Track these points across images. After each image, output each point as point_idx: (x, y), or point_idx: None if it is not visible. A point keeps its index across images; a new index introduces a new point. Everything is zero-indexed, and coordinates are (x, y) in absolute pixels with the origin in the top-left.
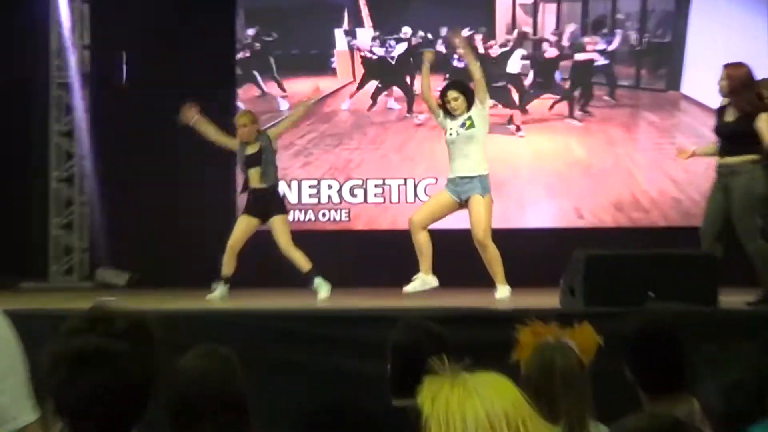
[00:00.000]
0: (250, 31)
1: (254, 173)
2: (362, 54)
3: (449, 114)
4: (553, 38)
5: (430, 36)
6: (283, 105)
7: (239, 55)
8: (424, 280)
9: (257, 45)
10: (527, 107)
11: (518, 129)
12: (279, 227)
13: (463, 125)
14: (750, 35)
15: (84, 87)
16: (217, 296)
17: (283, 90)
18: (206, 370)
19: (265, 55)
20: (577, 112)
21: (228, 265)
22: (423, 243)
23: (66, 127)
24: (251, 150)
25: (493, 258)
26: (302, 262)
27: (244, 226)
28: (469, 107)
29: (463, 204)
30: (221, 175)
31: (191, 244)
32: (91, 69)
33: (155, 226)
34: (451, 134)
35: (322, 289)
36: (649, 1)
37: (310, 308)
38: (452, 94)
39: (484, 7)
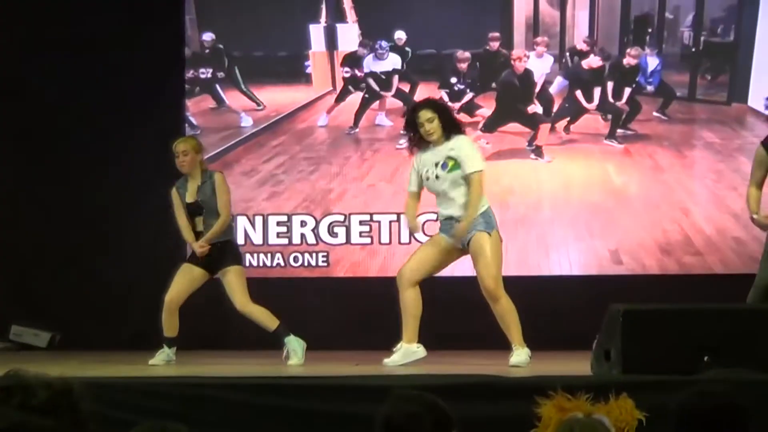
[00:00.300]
0: (207, 36)
1: (199, 221)
2: (345, 73)
3: (421, 141)
4: (585, 43)
5: (433, 50)
6: (246, 121)
7: (192, 70)
8: (407, 351)
9: (217, 46)
10: (556, 126)
11: (540, 153)
12: (233, 281)
13: (444, 166)
14: None
15: None
16: (161, 361)
17: (258, 103)
18: None
19: (232, 63)
20: (618, 131)
21: (169, 324)
22: (410, 303)
23: None
24: (192, 194)
25: (506, 313)
26: (266, 319)
27: (185, 278)
28: (446, 134)
29: (465, 248)
30: (162, 211)
31: (126, 297)
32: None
33: (82, 275)
34: (428, 178)
35: (295, 351)
36: None
37: (279, 375)
38: (425, 114)
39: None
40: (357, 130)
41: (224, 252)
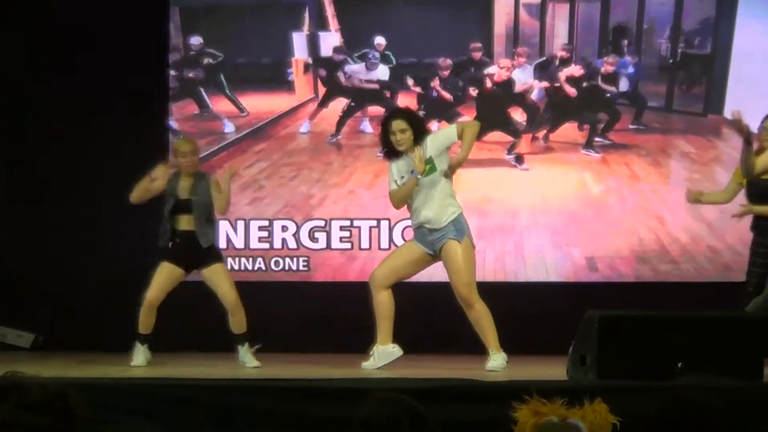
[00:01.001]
0: (195, 40)
1: (185, 219)
2: (321, 75)
3: (393, 152)
4: (565, 51)
5: (414, 59)
6: (229, 127)
7: (177, 72)
8: (383, 353)
9: (204, 50)
10: (538, 135)
11: (521, 160)
12: (224, 277)
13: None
14: None
15: None
16: (144, 361)
17: (241, 109)
18: None
19: (215, 68)
20: (597, 140)
21: (147, 322)
22: (383, 305)
23: None
24: (185, 191)
25: (481, 318)
26: (244, 321)
27: (165, 277)
28: (416, 141)
29: (437, 255)
30: (141, 216)
31: (107, 300)
32: None
33: (65, 278)
34: (404, 180)
35: (244, 361)
36: (685, 3)
37: (261, 378)
38: (399, 124)
39: (479, 8)
40: (339, 137)
41: (208, 251)
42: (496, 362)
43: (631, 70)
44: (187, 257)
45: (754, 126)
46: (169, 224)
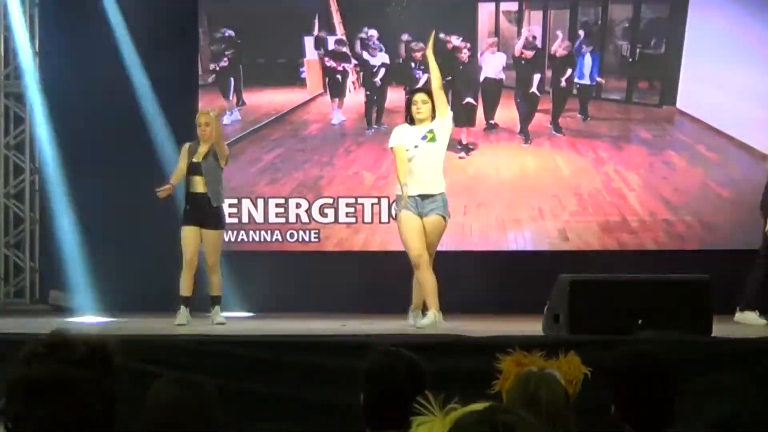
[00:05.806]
0: (228, 33)
1: (199, 181)
2: (328, 63)
3: (411, 121)
4: (531, 44)
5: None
6: (233, 116)
7: (205, 64)
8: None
9: (235, 42)
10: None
11: (467, 149)
12: (215, 242)
13: (424, 137)
14: (752, 45)
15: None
16: (183, 321)
17: (242, 103)
18: (182, 399)
19: (237, 59)
20: (561, 122)
21: (187, 285)
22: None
23: (16, 139)
24: (199, 156)
25: (432, 281)
26: (219, 287)
27: (191, 240)
28: (433, 117)
29: (422, 218)
30: (180, 193)
31: (149, 265)
32: (41, 77)
33: (111, 246)
34: (408, 149)
35: (218, 317)
36: (643, 9)
37: (277, 335)
38: (421, 96)
39: (466, 14)
40: (373, 128)
41: (215, 213)
42: (431, 319)
43: (588, 56)
44: (199, 216)
45: (701, 111)
46: (186, 187)
